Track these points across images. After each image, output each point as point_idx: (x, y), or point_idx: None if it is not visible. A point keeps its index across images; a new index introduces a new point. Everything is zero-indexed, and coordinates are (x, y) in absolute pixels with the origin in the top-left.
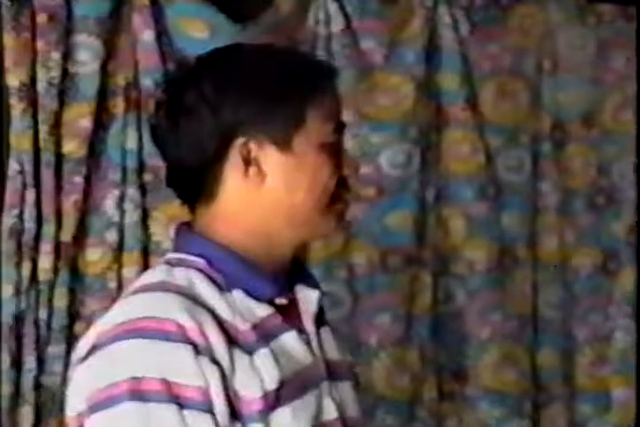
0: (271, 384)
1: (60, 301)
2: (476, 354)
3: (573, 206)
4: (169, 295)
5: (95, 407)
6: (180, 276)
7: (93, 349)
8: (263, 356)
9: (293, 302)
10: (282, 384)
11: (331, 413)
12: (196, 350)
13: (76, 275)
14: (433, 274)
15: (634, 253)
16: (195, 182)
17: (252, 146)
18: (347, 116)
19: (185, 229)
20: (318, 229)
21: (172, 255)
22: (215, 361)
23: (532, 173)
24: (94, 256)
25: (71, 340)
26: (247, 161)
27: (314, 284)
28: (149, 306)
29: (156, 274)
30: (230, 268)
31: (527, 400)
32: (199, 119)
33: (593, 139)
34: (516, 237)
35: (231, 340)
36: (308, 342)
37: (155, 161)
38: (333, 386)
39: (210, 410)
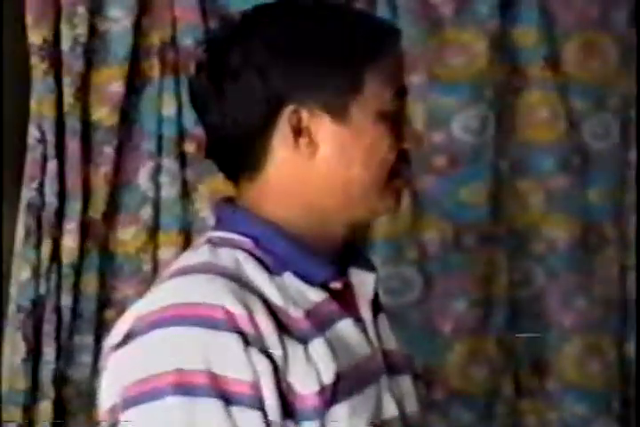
0: (328, 378)
1: (88, 285)
2: (557, 344)
3: None
4: (214, 278)
5: (133, 401)
6: (226, 257)
7: (129, 336)
8: (318, 346)
9: (348, 287)
10: (339, 378)
11: (390, 410)
12: (246, 340)
13: (105, 256)
14: (509, 254)
15: None
16: (239, 153)
17: (304, 114)
18: (413, 77)
19: (228, 204)
20: (375, 208)
21: (213, 234)
22: (266, 352)
23: (621, 140)
24: (127, 235)
25: (101, 329)
26: (297, 131)
27: (370, 267)
28: (192, 290)
29: (197, 255)
30: (280, 248)
31: (615, 396)
32: (245, 84)
33: None
34: (603, 213)
35: (283, 328)
36: (364, 331)
37: (196, 130)
38: (393, 380)
39: (260, 406)
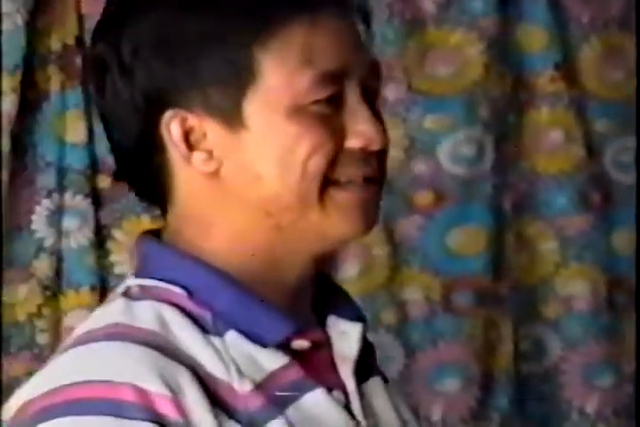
0: None
1: None
2: None
3: None
4: (125, 347)
5: None
6: (146, 315)
7: None
8: None
9: (323, 344)
10: None
11: None
12: None
13: None
14: (515, 317)
15: None
16: (142, 173)
17: (190, 121)
18: (389, 90)
19: (150, 239)
20: (322, 231)
21: (134, 282)
22: None
23: None
24: (16, 297)
25: None
26: (188, 144)
27: (355, 314)
28: (92, 365)
29: (106, 314)
30: (223, 299)
31: None
32: (114, 88)
33: None
34: (633, 264)
35: (224, 410)
36: (346, 404)
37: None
38: None
39: None
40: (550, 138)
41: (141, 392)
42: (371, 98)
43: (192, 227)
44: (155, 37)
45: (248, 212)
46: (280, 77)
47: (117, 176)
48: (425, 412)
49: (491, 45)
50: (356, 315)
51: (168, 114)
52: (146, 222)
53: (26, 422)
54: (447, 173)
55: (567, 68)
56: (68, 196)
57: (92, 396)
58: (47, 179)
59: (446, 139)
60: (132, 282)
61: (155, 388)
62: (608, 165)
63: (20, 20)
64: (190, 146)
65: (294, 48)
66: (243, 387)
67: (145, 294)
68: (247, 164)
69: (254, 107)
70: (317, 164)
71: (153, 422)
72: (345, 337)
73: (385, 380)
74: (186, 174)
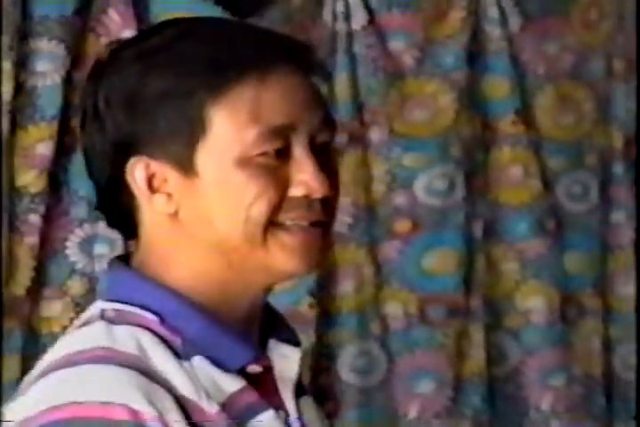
0: None
1: (9, 370)
2: None
3: None
4: (115, 370)
5: None
6: (126, 339)
7: None
8: None
9: (268, 368)
10: None
11: None
12: None
13: (29, 336)
14: (483, 328)
15: None
16: (114, 209)
17: (153, 167)
18: (373, 133)
19: (123, 266)
20: (267, 267)
21: (105, 305)
22: None
23: (600, 201)
24: (52, 312)
25: None
26: (151, 187)
27: (293, 339)
28: (86, 386)
29: (88, 336)
30: (191, 326)
31: None
32: (90, 133)
33: None
34: (583, 282)
35: None
36: (287, 423)
37: None
38: None
39: None
40: (512, 173)
41: (134, 413)
42: (324, 150)
43: (155, 259)
44: (122, 92)
45: (204, 250)
46: (229, 131)
47: (97, 208)
48: (404, 410)
49: (461, 94)
50: (294, 339)
51: (132, 160)
52: None
53: None
54: (423, 204)
55: (525, 114)
56: (100, 226)
57: (90, 415)
58: (80, 211)
59: (422, 174)
60: (105, 305)
61: (144, 408)
62: (561, 197)
63: (57, 77)
64: (153, 189)
65: (244, 104)
66: (210, 408)
67: (121, 318)
68: (201, 207)
69: (206, 157)
70: (260, 209)
71: None
72: (285, 360)
73: (313, 398)
74: (150, 214)
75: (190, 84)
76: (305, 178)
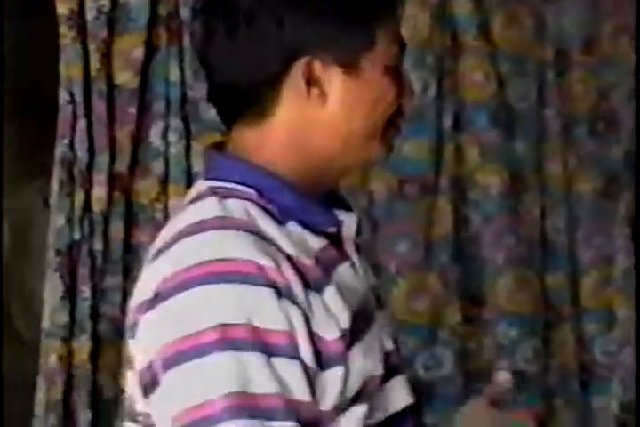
0: (345, 323)
1: (116, 231)
2: (492, 278)
3: (576, 133)
4: (237, 233)
5: (177, 359)
6: (237, 209)
7: (159, 297)
8: (332, 293)
9: (339, 230)
10: (353, 321)
11: (389, 343)
12: (279, 292)
13: (129, 206)
14: (450, 201)
15: (632, 177)
16: (245, 99)
17: (317, 65)
18: None
19: (219, 152)
20: (369, 156)
21: (212, 184)
22: (296, 303)
23: (537, 100)
24: (142, 187)
25: (128, 271)
26: (310, 81)
27: (349, 207)
28: (219, 246)
29: (207, 208)
30: (284, 198)
31: (539, 321)
32: (259, 30)
33: (593, 64)
34: (526, 164)
35: (302, 278)
36: (357, 272)
37: (194, 93)
38: (381, 315)
39: (298, 356)
40: (474, 77)
41: (259, 266)
42: None
43: (273, 145)
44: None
45: (328, 137)
46: (385, 47)
47: (210, 98)
48: (385, 265)
49: (434, 13)
50: (350, 207)
51: (305, 59)
52: (217, 138)
53: (179, 287)
54: None
55: (485, 30)
56: (171, 118)
57: (226, 270)
58: (158, 106)
59: None
60: (210, 183)
61: (266, 262)
62: (510, 97)
63: None
64: (311, 83)
65: (393, 29)
66: (308, 262)
67: (229, 193)
68: (351, 102)
69: (368, 63)
70: (390, 111)
71: (270, 286)
72: (347, 224)
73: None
74: (293, 104)
75: (366, 7)
76: (412, 88)
